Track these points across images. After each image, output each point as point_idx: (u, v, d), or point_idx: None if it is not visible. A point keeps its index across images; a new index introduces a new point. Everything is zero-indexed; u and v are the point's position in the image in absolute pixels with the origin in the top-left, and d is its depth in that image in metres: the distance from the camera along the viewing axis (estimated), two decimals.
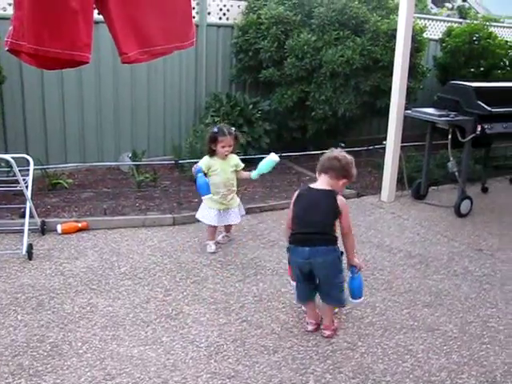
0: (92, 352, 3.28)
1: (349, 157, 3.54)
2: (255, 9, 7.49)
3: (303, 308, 3.79)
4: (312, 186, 3.53)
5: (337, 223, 3.47)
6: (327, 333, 3.53)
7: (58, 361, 3.19)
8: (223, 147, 4.65)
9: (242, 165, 4.87)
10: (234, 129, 4.81)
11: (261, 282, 4.26)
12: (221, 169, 4.71)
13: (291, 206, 3.57)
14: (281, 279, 4.30)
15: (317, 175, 3.56)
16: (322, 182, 3.50)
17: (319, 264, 3.35)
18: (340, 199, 3.44)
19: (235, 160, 4.82)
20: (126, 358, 3.24)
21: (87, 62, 2.42)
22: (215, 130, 4.67)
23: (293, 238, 3.46)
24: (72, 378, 3.03)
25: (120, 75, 6.89)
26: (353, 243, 3.55)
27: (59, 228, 5.04)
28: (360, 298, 3.66)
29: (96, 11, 2.59)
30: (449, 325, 3.75)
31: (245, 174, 4.87)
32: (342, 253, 3.46)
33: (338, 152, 3.55)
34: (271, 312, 3.82)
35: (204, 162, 4.74)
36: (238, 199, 4.96)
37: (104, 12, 2.56)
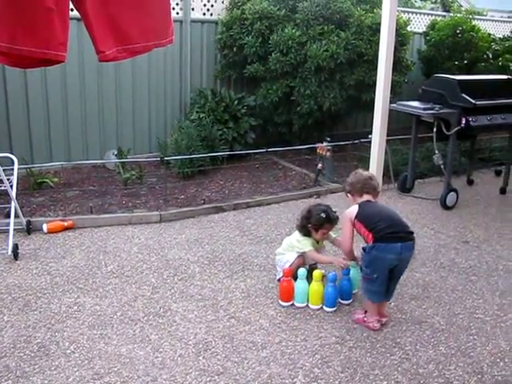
0: (80, 351, 3.27)
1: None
2: (239, 4, 7.49)
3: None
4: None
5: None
6: (359, 317, 3.68)
7: (45, 361, 3.17)
8: (324, 234, 4.10)
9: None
10: (335, 210, 4.16)
11: (248, 278, 4.25)
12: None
13: (350, 223, 3.68)
14: (268, 275, 4.30)
15: (356, 197, 3.76)
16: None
17: (407, 258, 3.52)
18: None
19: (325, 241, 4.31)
20: (114, 356, 3.23)
21: (62, 61, 2.37)
22: (323, 215, 3.99)
23: (381, 237, 3.49)
24: (60, 379, 3.01)
25: (104, 73, 6.84)
26: None
27: (45, 227, 5.01)
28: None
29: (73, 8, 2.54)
30: (436, 317, 3.77)
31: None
32: None
33: (366, 172, 3.98)
34: (259, 308, 3.82)
35: (310, 245, 4.09)
36: None
37: (81, 9, 2.50)
